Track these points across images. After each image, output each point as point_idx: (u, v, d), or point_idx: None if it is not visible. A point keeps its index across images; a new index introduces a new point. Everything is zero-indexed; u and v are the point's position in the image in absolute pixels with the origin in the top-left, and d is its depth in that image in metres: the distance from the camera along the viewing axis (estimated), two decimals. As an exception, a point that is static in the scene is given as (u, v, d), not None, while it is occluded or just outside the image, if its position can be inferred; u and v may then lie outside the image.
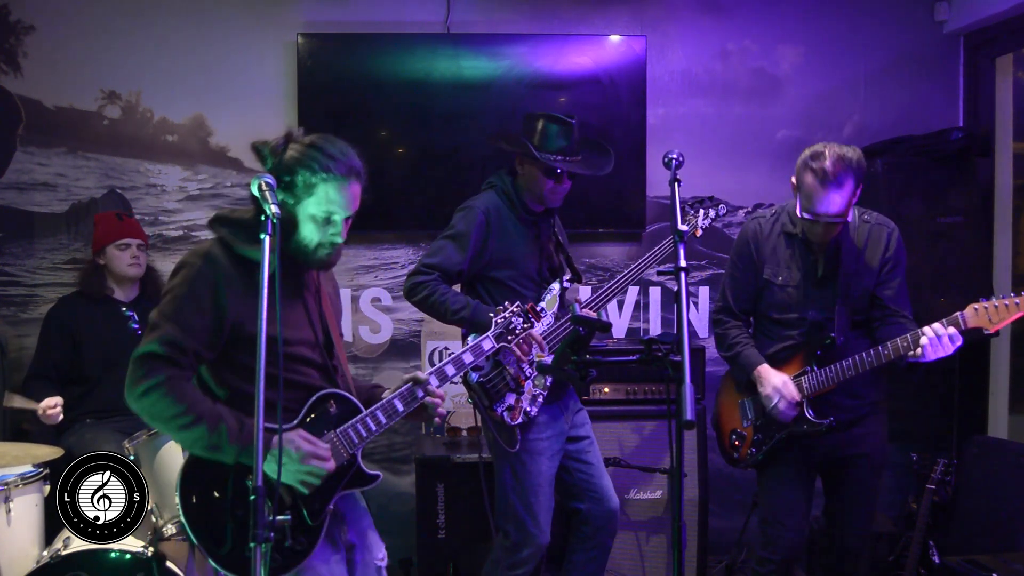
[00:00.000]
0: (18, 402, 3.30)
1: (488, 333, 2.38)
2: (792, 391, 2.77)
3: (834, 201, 2.62)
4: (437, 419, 2.28)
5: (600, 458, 3.13)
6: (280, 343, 1.83)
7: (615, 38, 4.16)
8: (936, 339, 2.57)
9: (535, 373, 2.89)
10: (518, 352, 2.76)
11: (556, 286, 2.98)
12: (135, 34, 4.04)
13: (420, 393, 2.21)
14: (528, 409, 2.91)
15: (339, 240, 2.09)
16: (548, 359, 2.93)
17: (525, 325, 2.41)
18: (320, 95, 4.04)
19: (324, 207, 2.04)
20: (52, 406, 3.28)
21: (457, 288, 3.02)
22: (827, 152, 2.62)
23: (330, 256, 2.11)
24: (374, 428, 2.16)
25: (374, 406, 2.18)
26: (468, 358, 2.34)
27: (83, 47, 4.02)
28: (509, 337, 2.40)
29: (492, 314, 2.66)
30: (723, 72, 4.33)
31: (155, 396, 1.94)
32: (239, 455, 1.97)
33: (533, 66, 4.10)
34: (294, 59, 4.02)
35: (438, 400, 2.24)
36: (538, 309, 2.53)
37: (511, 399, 2.88)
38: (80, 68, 4.03)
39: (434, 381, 2.24)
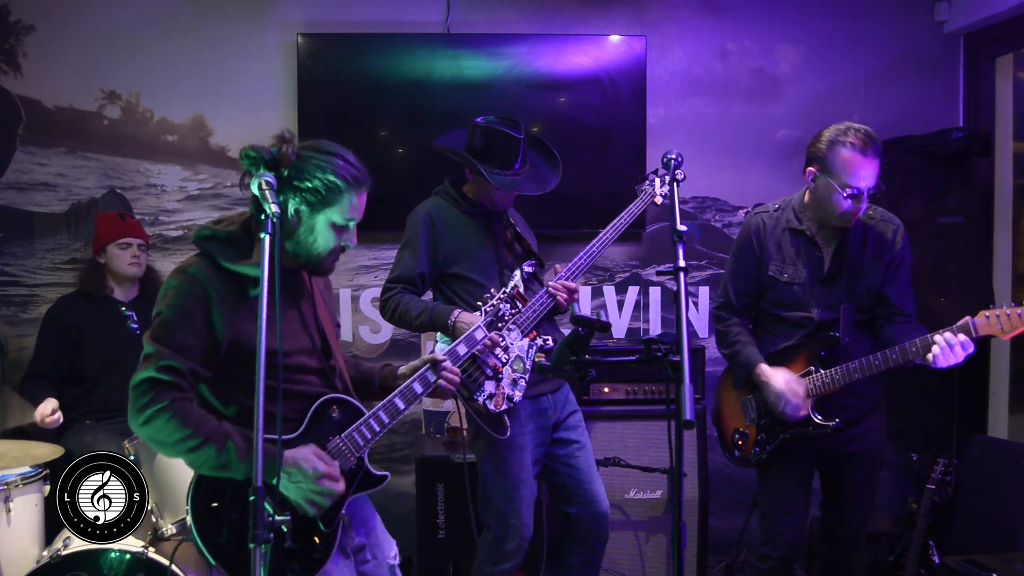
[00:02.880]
0: (14, 421, 3.26)
1: (479, 322, 2.41)
2: (796, 389, 2.75)
3: (871, 172, 2.65)
4: (452, 387, 2.33)
5: (591, 463, 3.12)
6: (280, 355, 1.81)
7: (615, 38, 4.16)
8: (948, 348, 2.54)
9: (511, 357, 2.90)
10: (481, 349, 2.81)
11: (518, 273, 2.99)
12: (135, 34, 4.04)
13: (432, 377, 2.26)
14: (510, 394, 2.89)
15: (352, 245, 2.12)
16: (522, 339, 2.93)
17: (513, 311, 2.46)
18: (320, 95, 4.04)
19: (348, 214, 2.06)
20: (49, 413, 3.26)
21: (428, 296, 3.06)
22: (852, 125, 2.67)
23: (335, 262, 2.14)
24: (378, 429, 2.18)
25: (377, 406, 2.19)
26: (462, 349, 2.38)
27: (83, 47, 4.02)
28: (499, 324, 2.44)
29: (452, 315, 2.81)
30: (723, 72, 4.33)
31: (160, 421, 1.91)
32: (249, 472, 1.95)
33: (533, 66, 4.10)
34: (294, 59, 4.02)
35: (454, 377, 2.30)
36: (525, 294, 2.54)
37: (490, 387, 2.87)
38: (80, 68, 4.03)
39: (450, 363, 2.30)
